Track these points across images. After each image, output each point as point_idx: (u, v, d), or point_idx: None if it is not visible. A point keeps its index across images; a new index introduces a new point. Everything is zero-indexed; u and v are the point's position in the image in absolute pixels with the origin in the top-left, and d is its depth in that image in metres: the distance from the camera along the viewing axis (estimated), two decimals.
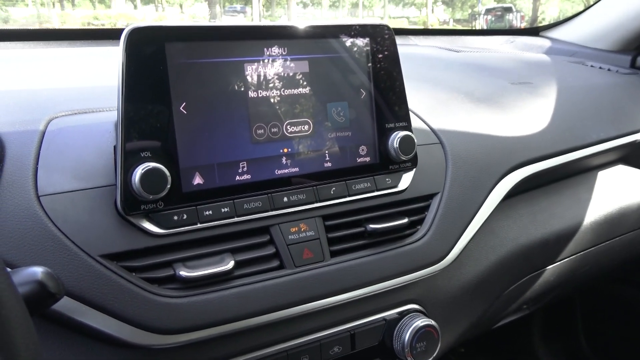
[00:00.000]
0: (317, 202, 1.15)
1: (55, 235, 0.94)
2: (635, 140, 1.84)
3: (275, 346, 1.14)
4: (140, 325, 0.96)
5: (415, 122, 1.37)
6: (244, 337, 1.10)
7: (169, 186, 0.98)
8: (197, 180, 1.04)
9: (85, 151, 1.03)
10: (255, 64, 1.09)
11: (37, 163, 0.99)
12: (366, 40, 1.20)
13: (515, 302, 1.69)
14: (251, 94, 1.09)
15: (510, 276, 1.55)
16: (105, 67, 1.48)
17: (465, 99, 1.62)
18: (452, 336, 1.46)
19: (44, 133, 1.04)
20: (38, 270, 0.73)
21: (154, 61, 0.99)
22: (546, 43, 2.67)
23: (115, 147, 1.01)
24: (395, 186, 1.25)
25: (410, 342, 1.23)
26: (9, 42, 1.74)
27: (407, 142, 1.23)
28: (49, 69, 1.46)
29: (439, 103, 1.56)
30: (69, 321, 0.94)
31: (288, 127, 1.13)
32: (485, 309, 1.52)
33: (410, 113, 1.29)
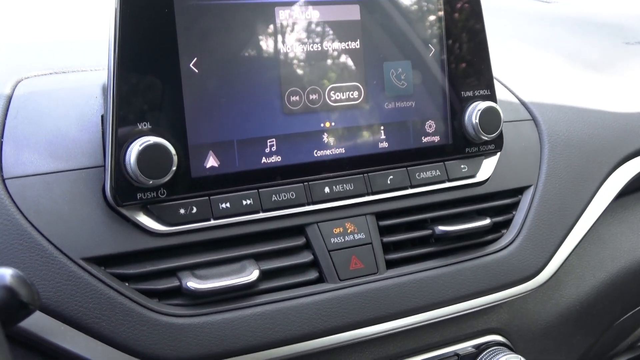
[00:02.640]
0: (368, 194, 1.13)
1: (24, 230, 0.92)
2: None
3: None
4: (135, 352, 0.95)
5: (499, 92, 1.34)
6: None
7: (174, 168, 0.96)
8: (211, 161, 1.02)
9: (65, 122, 1.02)
10: (290, 8, 1.07)
11: (1, 136, 0.98)
12: None
13: (630, 336, 1.65)
14: (283, 48, 1.07)
15: (623, 302, 1.52)
16: (92, 13, 1.47)
17: (566, 63, 1.59)
18: None
19: (10, 98, 1.03)
20: (6, 273, 0.72)
21: (157, 4, 0.97)
22: None
23: (103, 117, 1.00)
24: (473, 176, 1.22)
25: None
26: None
27: (490, 116, 1.19)
28: (16, 16, 1.46)
29: (531, 68, 1.52)
30: (41, 344, 0.93)
31: (331, 93, 1.10)
32: (590, 345, 1.48)
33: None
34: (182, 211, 1.00)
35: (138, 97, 0.96)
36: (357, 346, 1.14)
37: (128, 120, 0.95)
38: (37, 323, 0.91)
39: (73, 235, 0.95)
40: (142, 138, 0.95)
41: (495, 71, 1.31)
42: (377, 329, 1.11)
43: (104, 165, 0.97)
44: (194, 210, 1.00)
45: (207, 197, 1.01)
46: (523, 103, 1.38)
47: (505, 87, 1.40)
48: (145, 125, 0.96)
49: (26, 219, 0.93)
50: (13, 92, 1.04)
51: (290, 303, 1.04)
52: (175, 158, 0.96)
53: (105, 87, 0.97)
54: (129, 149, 0.94)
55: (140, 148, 0.94)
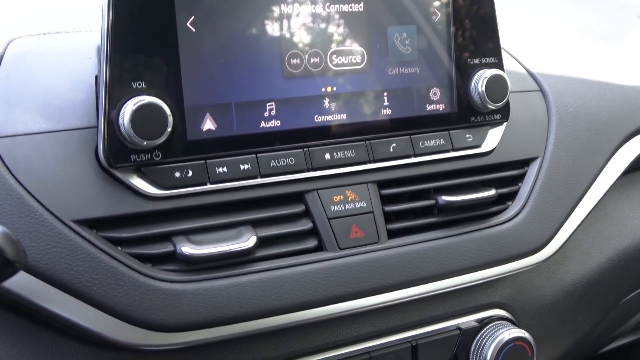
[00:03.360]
0: (370, 162, 1.11)
1: (13, 190, 0.90)
2: None
3: (308, 357, 1.10)
4: (126, 317, 0.92)
5: (506, 63, 1.31)
6: (265, 343, 1.07)
7: (169, 130, 0.94)
8: (208, 124, 1.00)
9: (57, 82, 1.00)
10: None
11: None
12: None
13: (635, 316, 1.63)
14: (285, 9, 1.04)
15: (630, 279, 1.50)
16: None
17: (575, 34, 1.57)
18: (549, 358, 1.41)
19: (1, 57, 1.01)
20: None
21: None
22: None
23: (97, 77, 0.97)
24: (479, 145, 1.20)
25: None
26: None
27: (497, 85, 1.17)
28: None
29: (539, 39, 1.50)
30: (30, 308, 0.91)
31: (333, 57, 1.08)
32: (596, 323, 1.46)
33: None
34: (177, 174, 0.97)
35: (133, 56, 0.93)
36: (357, 317, 1.12)
37: (122, 79, 0.93)
38: (26, 286, 0.89)
39: (64, 197, 0.92)
40: (137, 98, 0.93)
41: (503, 41, 1.28)
42: (377, 299, 1.08)
43: (97, 126, 0.95)
44: (190, 173, 0.98)
45: (203, 161, 0.99)
46: (530, 74, 1.35)
47: (513, 57, 1.38)
48: (139, 84, 0.94)
49: (15, 178, 0.90)
50: (4, 52, 1.02)
51: (288, 271, 1.02)
52: (170, 119, 0.94)
53: (99, 47, 0.94)
54: (123, 109, 0.92)
55: (134, 108, 0.92)
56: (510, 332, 1.18)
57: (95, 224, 0.94)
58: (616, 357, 2.16)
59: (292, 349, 1.08)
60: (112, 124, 0.92)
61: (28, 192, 0.90)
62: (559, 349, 1.41)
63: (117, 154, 0.94)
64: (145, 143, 0.92)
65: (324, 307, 1.04)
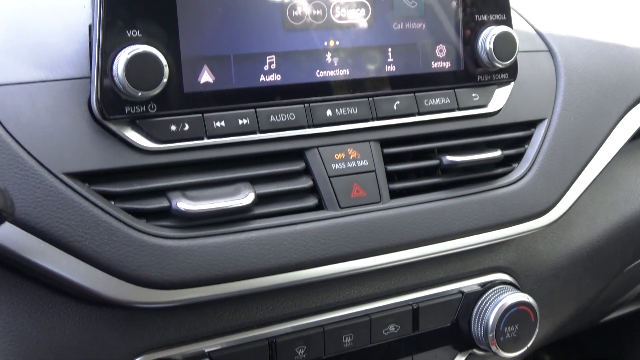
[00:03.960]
0: (373, 119, 1.08)
1: (3, 141, 0.87)
2: None
3: (307, 318, 1.08)
4: (119, 274, 0.90)
5: (515, 21, 1.28)
6: (263, 303, 1.05)
7: (164, 81, 0.91)
8: (206, 77, 0.97)
9: (50, 31, 0.97)
10: None
11: None
12: None
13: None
14: None
15: (635, 246, 1.47)
16: None
17: None
18: (552, 325, 1.39)
19: None
20: None
21: None
22: None
23: (91, 27, 0.93)
24: (485, 105, 1.17)
25: (497, 324, 1.15)
26: None
27: (505, 42, 1.13)
28: None
29: None
30: (20, 263, 0.88)
31: (336, 9, 1.04)
32: (600, 290, 1.44)
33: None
34: (173, 128, 0.95)
35: (128, 3, 0.90)
36: (357, 279, 1.10)
37: (116, 27, 0.90)
38: (15, 240, 0.86)
39: (55, 149, 0.90)
40: (131, 46, 0.90)
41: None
42: (378, 260, 1.06)
43: (90, 76, 0.92)
44: (186, 127, 0.95)
45: (200, 115, 0.96)
46: (539, 33, 1.32)
47: (521, 16, 1.35)
48: (134, 33, 0.91)
49: (4, 128, 0.88)
50: None
51: (287, 229, 0.99)
52: (166, 69, 0.91)
53: None
54: (117, 58, 0.89)
55: (128, 57, 0.89)
56: (514, 297, 1.16)
57: (88, 177, 0.92)
58: (617, 328, 2.15)
59: (290, 310, 1.06)
60: (105, 73, 0.90)
61: (18, 143, 0.88)
62: (562, 315, 1.39)
63: (111, 105, 0.91)
64: (139, 94, 0.89)
65: (323, 267, 1.02)
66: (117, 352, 0.95)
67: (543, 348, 2.38)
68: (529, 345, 1.19)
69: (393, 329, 1.13)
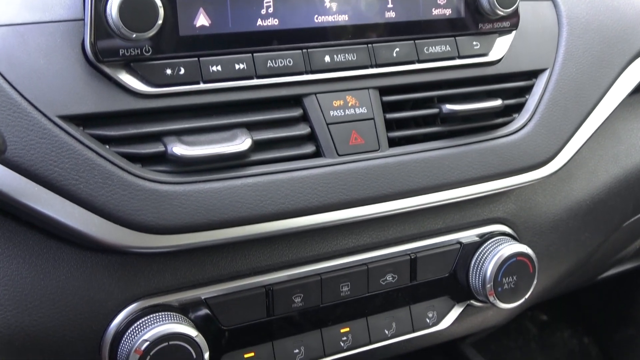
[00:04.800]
0: (372, 66, 1.06)
1: None
2: None
3: (304, 267, 1.07)
4: (114, 218, 0.89)
5: None
6: (259, 250, 1.03)
7: (159, 22, 0.89)
8: (202, 20, 0.94)
9: None
10: None
11: None
12: None
13: (639, 240, 1.60)
14: None
15: (635, 200, 1.46)
16: None
17: None
18: (550, 278, 1.38)
19: None
20: None
21: None
22: None
23: None
24: (486, 54, 1.15)
25: (495, 275, 1.14)
26: None
27: None
28: None
29: None
30: (13, 207, 0.87)
31: None
32: (599, 244, 1.43)
33: None
34: (168, 71, 0.93)
35: None
36: (355, 227, 1.09)
37: None
38: (8, 183, 0.85)
39: (49, 92, 0.88)
40: None
41: None
42: (376, 209, 1.05)
43: (84, 18, 0.90)
44: (182, 71, 0.94)
45: (196, 58, 0.95)
46: None
47: None
48: None
49: None
50: None
51: (284, 176, 0.98)
52: (161, 10, 0.89)
53: None
54: None
55: None
56: (512, 247, 1.16)
57: (82, 120, 0.90)
58: (614, 286, 2.15)
59: (287, 258, 1.05)
60: (99, 14, 0.88)
61: (10, 84, 0.86)
62: (560, 269, 1.38)
63: (105, 48, 0.89)
64: (134, 36, 0.88)
65: (320, 214, 1.01)
66: (113, 298, 0.95)
67: (540, 307, 2.39)
68: (526, 296, 1.19)
69: (390, 278, 1.12)
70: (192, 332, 0.94)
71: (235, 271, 1.02)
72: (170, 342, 0.92)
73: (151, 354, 0.92)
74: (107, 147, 0.91)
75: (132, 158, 0.92)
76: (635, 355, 2.17)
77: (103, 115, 0.91)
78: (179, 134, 0.95)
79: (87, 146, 0.88)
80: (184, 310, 0.98)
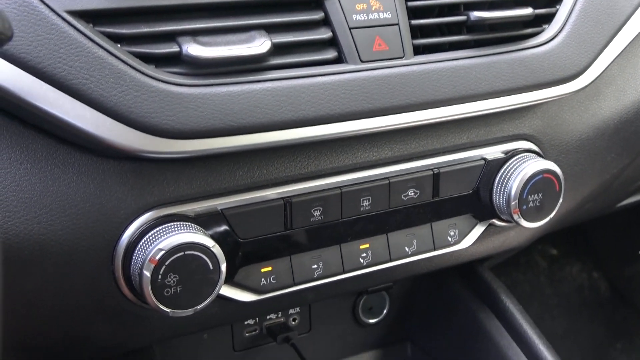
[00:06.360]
0: None
1: None
2: None
3: (324, 179, 1.02)
4: (126, 120, 0.83)
5: None
6: (278, 161, 0.99)
7: None
8: None
9: None
10: None
11: None
12: None
13: None
14: None
15: None
16: None
17: None
18: (573, 200, 1.33)
19: None
20: None
21: None
22: None
23: None
24: None
25: (520, 192, 1.10)
26: None
27: None
28: None
29: None
30: (21, 107, 0.82)
31: None
32: (624, 166, 1.38)
33: None
34: None
35: None
36: (376, 140, 1.05)
37: None
38: (15, 81, 0.80)
39: None
40: None
41: None
42: (399, 119, 1.00)
43: None
44: None
45: None
46: None
47: None
48: None
49: None
50: None
51: (304, 81, 0.93)
52: None
53: None
54: None
55: None
56: (539, 164, 1.11)
57: (92, 17, 0.85)
58: (624, 221, 2.12)
59: (306, 169, 1.01)
60: None
61: None
62: (584, 191, 1.33)
63: None
64: None
65: (341, 122, 0.95)
66: (126, 206, 0.90)
67: (551, 240, 2.36)
68: (551, 215, 1.15)
69: (412, 194, 1.08)
70: (209, 242, 0.90)
71: (252, 182, 0.97)
72: (187, 252, 0.88)
73: (166, 263, 0.87)
74: (119, 45, 0.86)
75: (145, 58, 0.87)
76: None
77: (114, 12, 0.86)
78: (194, 34, 0.89)
79: (97, 44, 0.83)
80: (199, 220, 0.94)
